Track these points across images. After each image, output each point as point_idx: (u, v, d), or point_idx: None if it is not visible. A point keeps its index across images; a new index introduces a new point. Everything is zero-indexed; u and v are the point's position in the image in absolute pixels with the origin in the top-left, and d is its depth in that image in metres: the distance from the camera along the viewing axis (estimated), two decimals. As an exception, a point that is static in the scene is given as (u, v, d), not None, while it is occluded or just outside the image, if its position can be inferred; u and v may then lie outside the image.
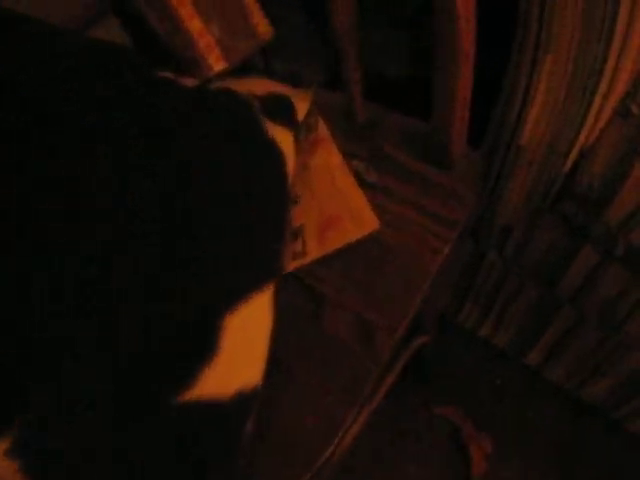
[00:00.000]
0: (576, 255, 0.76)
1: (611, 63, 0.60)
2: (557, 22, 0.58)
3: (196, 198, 0.48)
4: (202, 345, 0.45)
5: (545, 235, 0.77)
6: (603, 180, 0.70)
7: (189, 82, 0.56)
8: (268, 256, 0.50)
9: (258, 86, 0.59)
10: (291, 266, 0.57)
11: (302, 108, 0.62)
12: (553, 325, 0.88)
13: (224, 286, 0.47)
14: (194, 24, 0.54)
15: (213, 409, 0.45)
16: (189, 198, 0.47)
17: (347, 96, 0.62)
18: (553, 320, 0.87)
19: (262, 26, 0.57)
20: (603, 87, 0.62)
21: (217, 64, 0.55)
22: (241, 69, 0.62)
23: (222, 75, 0.58)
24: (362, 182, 0.60)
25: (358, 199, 0.59)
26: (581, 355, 0.89)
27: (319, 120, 0.64)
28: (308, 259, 0.57)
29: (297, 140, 0.57)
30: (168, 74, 0.55)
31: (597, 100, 0.63)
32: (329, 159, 0.61)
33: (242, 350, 0.47)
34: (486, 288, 0.92)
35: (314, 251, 0.57)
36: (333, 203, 0.59)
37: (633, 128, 0.66)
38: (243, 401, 0.46)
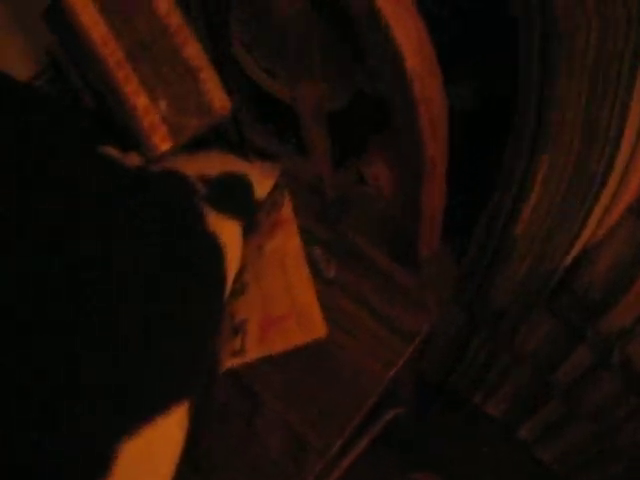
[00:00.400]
0: (570, 353, 0.69)
1: (617, 173, 0.52)
2: (555, 123, 0.50)
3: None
4: (89, 475, 0.41)
5: (539, 328, 0.70)
6: (606, 282, 0.62)
7: (135, 160, 0.52)
8: (186, 370, 0.46)
9: (214, 164, 0.54)
10: (228, 363, 0.53)
11: (265, 185, 0.57)
12: (546, 410, 0.81)
13: (125, 406, 0.43)
14: (139, 101, 0.49)
15: None
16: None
17: (315, 170, 0.57)
18: (546, 406, 0.80)
19: (218, 101, 0.52)
20: (609, 192, 0.54)
21: (163, 143, 0.51)
22: (210, 140, 0.57)
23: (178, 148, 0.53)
24: (319, 275, 0.55)
25: (309, 298, 0.54)
26: (574, 444, 0.82)
27: (285, 197, 0.58)
28: (247, 358, 0.53)
29: (248, 228, 0.53)
30: (112, 150, 0.52)
31: (602, 202, 0.55)
32: (287, 245, 0.56)
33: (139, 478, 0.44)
34: (478, 361, 0.85)
35: (254, 351, 0.53)
36: (281, 299, 0.54)
37: (648, 229, 0.58)
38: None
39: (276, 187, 0.57)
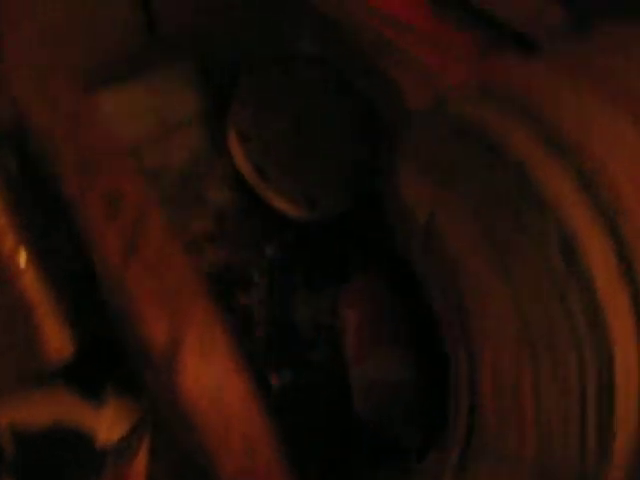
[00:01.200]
0: None
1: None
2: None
3: None
4: None
5: None
6: None
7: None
8: None
9: (43, 407, 0.42)
10: None
11: (117, 429, 0.45)
12: None
13: None
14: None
15: None
16: None
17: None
18: None
19: (56, 342, 0.41)
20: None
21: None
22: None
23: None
24: None
25: None
26: None
27: (142, 445, 0.47)
28: None
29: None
30: None
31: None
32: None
33: None
34: None
35: None
36: None
37: None
38: None
39: (134, 430, 0.45)
